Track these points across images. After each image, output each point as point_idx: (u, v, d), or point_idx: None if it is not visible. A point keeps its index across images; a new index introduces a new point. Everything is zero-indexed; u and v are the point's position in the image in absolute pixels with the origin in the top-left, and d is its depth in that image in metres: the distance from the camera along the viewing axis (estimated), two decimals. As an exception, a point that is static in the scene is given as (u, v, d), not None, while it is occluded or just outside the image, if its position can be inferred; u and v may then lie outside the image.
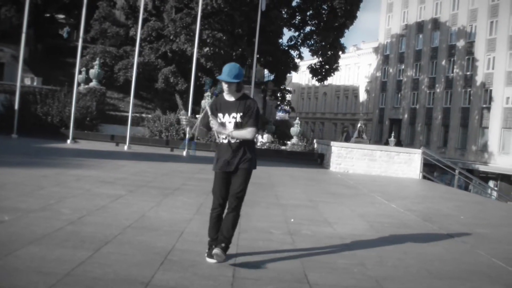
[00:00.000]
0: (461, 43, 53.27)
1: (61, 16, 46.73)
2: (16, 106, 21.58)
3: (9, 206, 7.03)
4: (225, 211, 5.34)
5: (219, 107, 5.32)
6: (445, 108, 54.88)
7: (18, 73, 22.61)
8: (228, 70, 5.21)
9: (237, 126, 5.24)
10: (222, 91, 5.38)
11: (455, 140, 53.17)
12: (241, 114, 5.25)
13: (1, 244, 5.14)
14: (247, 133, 5.24)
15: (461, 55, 53.17)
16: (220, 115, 5.29)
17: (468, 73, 52.15)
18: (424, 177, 20.09)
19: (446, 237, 7.79)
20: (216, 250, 5.09)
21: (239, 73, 5.22)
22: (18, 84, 22.14)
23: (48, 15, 42.94)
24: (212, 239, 5.32)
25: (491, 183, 44.15)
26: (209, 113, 5.30)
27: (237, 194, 5.25)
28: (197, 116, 27.44)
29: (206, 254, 5.31)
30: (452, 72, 54.41)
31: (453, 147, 53.04)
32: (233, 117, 5.26)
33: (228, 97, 5.33)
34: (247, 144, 5.33)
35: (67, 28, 50.55)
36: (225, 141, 5.29)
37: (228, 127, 5.26)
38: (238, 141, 5.25)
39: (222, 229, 5.24)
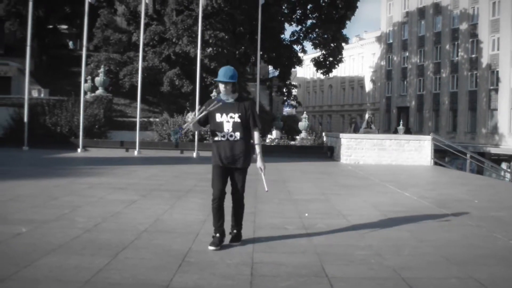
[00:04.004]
0: (464, 26, 52.97)
1: (64, 26, 46.97)
2: (25, 119, 21.69)
3: (24, 217, 7.09)
4: (231, 203, 5.91)
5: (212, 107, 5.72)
6: (452, 92, 54.63)
7: (25, 86, 22.72)
8: (223, 72, 5.70)
9: (235, 125, 5.68)
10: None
11: (464, 124, 52.92)
12: (239, 114, 5.69)
13: (19, 255, 5.19)
14: (259, 138, 5.89)
15: (465, 38, 52.88)
16: (218, 115, 5.70)
17: (473, 55, 51.87)
18: (435, 163, 20.02)
19: (462, 223, 7.77)
20: (232, 237, 5.89)
21: (233, 74, 5.70)
22: (26, 96, 22.24)
23: (51, 26, 43.18)
24: (216, 227, 5.78)
25: (504, 165, 43.90)
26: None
27: (239, 190, 5.85)
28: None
29: (210, 243, 5.71)
30: (457, 56, 54.14)
31: (463, 131, 52.78)
32: (231, 117, 5.69)
33: (226, 98, 5.75)
34: (245, 142, 5.76)
35: (71, 41, 50.98)
36: (224, 139, 5.71)
37: (225, 126, 5.68)
38: (237, 138, 5.69)
39: (233, 219, 5.94)
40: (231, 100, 5.75)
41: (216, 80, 5.77)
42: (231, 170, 5.79)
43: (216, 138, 5.77)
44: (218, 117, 5.71)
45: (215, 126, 5.75)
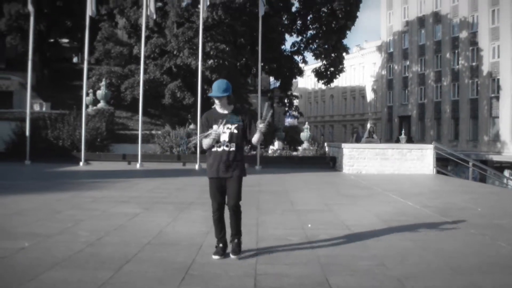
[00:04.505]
0: (464, 34, 53.11)
1: (65, 40, 47.17)
2: (27, 133, 21.74)
3: (27, 232, 7.10)
4: (229, 212, 5.92)
5: (213, 119, 5.87)
6: (454, 100, 54.66)
7: (27, 100, 22.80)
8: (217, 87, 5.81)
9: (232, 136, 5.79)
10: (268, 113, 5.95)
11: (466, 132, 52.89)
12: (236, 125, 5.81)
13: (23, 270, 5.19)
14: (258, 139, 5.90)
15: (465, 46, 53.00)
16: (215, 126, 5.79)
17: (473, 63, 51.94)
18: (438, 172, 20.00)
19: (465, 231, 7.76)
20: (233, 247, 5.85)
21: (226, 88, 5.80)
22: (28, 110, 22.31)
23: (52, 40, 43.37)
24: (218, 239, 5.92)
25: (507, 173, 43.79)
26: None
27: (234, 198, 5.85)
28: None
29: (214, 252, 5.86)
30: (458, 64, 54.23)
31: (465, 139, 52.76)
32: (228, 128, 5.80)
33: (221, 110, 5.89)
34: (239, 152, 5.90)
35: (76, 55, 51.36)
36: (220, 149, 5.82)
37: (222, 136, 5.79)
38: (233, 149, 5.80)
39: (231, 227, 5.91)
40: (226, 112, 5.88)
41: (211, 95, 5.86)
42: (225, 180, 5.86)
43: (213, 149, 5.87)
44: (215, 128, 5.81)
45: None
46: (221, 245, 5.88)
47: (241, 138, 5.87)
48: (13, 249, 6.04)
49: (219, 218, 5.89)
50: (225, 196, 5.90)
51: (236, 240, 5.91)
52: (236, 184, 5.86)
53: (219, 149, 5.82)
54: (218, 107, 5.91)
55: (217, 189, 5.88)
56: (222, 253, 5.83)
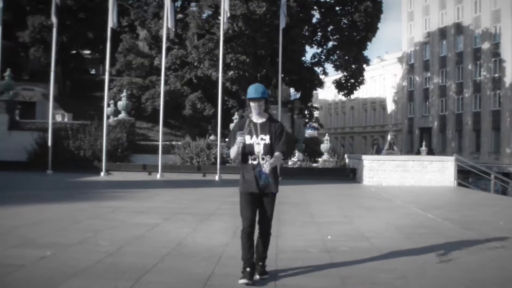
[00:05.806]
0: (486, 46, 52.65)
1: (87, 52, 47.79)
2: (49, 143, 21.98)
3: (48, 241, 7.15)
4: (257, 231, 5.49)
5: (247, 129, 5.40)
6: (475, 112, 54.14)
7: (49, 111, 23.07)
8: (254, 89, 5.39)
9: (267, 148, 5.36)
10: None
11: (488, 144, 52.30)
12: (270, 136, 5.37)
13: (43, 279, 5.23)
14: (279, 159, 5.38)
15: (487, 58, 52.52)
16: (247, 136, 5.36)
17: (496, 75, 51.44)
18: (459, 184, 19.79)
19: (487, 244, 7.64)
20: (260, 270, 5.41)
21: (264, 90, 5.40)
22: (50, 121, 22.56)
23: (74, 52, 43.95)
24: (245, 261, 5.32)
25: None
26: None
27: (269, 217, 5.46)
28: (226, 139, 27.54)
29: (241, 276, 5.26)
30: (480, 76, 53.73)
31: (487, 152, 52.16)
32: (262, 138, 5.37)
33: (256, 119, 5.45)
34: (274, 167, 5.40)
35: (97, 67, 52.11)
36: (255, 162, 5.37)
37: (256, 148, 5.35)
38: (267, 163, 5.30)
39: (258, 249, 5.45)
40: (261, 121, 5.46)
41: (248, 97, 5.41)
42: (260, 196, 5.41)
43: (248, 161, 5.42)
44: (248, 139, 5.36)
45: (245, 148, 5.39)
46: (248, 269, 5.29)
47: (275, 150, 5.41)
48: (33, 257, 6.09)
49: (249, 236, 5.33)
50: (256, 213, 5.43)
51: (261, 263, 5.46)
52: (271, 202, 5.45)
53: (254, 162, 5.36)
54: (253, 114, 5.47)
55: (249, 205, 5.36)
56: (250, 277, 5.25)
